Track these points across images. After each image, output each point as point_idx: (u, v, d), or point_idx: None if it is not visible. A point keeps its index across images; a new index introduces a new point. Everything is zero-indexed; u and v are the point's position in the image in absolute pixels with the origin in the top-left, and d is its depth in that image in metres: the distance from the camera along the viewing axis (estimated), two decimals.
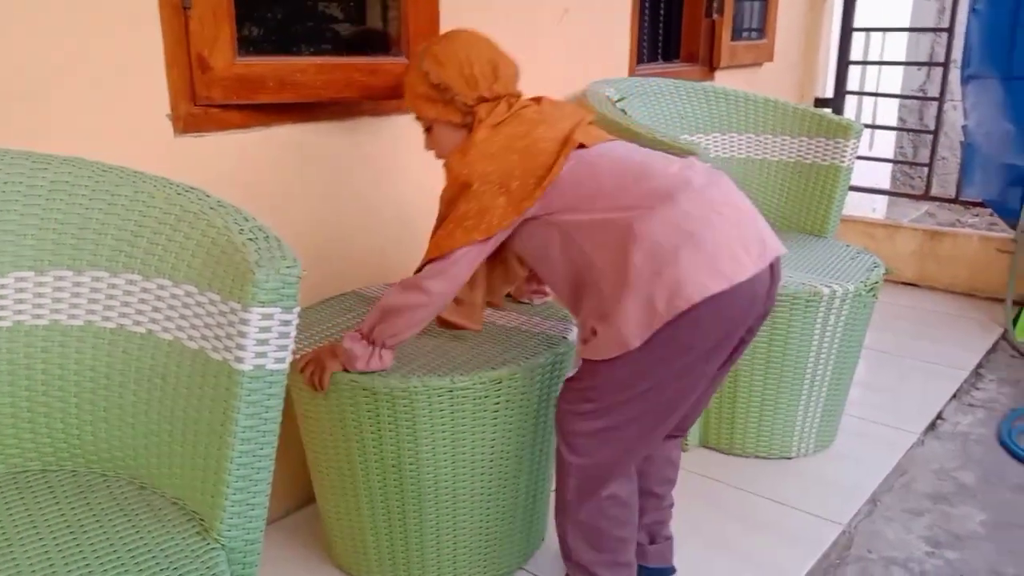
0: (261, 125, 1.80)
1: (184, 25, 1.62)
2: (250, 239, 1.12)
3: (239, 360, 1.07)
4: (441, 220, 1.51)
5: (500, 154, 1.46)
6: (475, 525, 1.67)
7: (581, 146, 1.46)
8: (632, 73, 2.89)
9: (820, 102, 4.06)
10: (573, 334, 1.74)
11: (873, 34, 4.44)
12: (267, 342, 1.07)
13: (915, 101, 6.49)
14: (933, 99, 3.72)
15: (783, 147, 2.72)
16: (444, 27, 1.95)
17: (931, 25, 6.10)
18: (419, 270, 1.51)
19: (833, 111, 4.00)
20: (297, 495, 2.09)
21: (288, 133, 1.86)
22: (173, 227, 1.20)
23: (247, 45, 1.77)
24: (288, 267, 1.08)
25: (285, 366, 1.10)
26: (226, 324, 1.09)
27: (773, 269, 1.40)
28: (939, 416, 2.66)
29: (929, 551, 1.99)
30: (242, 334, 1.07)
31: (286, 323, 1.09)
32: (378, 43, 1.93)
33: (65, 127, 1.50)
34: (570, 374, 1.47)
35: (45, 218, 1.24)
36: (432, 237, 1.51)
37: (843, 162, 2.60)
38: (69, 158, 1.30)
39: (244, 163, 1.79)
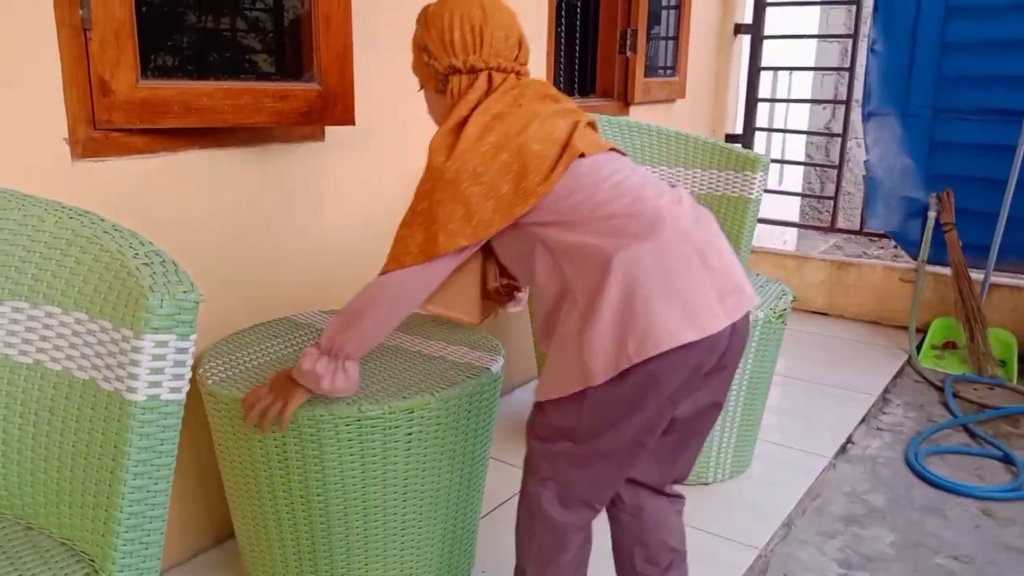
0: (166, 151, 1.75)
1: (84, 46, 1.57)
2: (145, 263, 1.08)
3: (131, 390, 1.02)
4: (416, 216, 1.37)
5: (492, 152, 1.33)
6: (389, 558, 1.63)
7: (581, 155, 1.36)
8: None
9: (730, 138, 4.18)
10: (498, 365, 1.71)
11: (781, 74, 4.61)
12: (162, 371, 1.02)
13: (822, 139, 6.75)
14: (837, 135, 3.88)
15: (695, 179, 2.78)
16: (357, 55, 1.94)
17: (835, 66, 6.38)
18: (387, 271, 1.39)
19: (743, 147, 4.12)
20: (216, 531, 2.00)
21: (194, 159, 1.81)
22: (64, 252, 1.14)
23: (156, 71, 1.72)
24: (184, 292, 1.04)
25: (181, 396, 1.05)
26: (118, 352, 1.04)
27: (741, 320, 1.35)
28: (849, 440, 2.73)
29: (842, 573, 2.03)
30: (134, 363, 1.01)
31: (182, 351, 1.04)
32: (290, 69, 1.90)
33: None
34: (539, 398, 1.40)
35: None
36: (404, 234, 1.37)
37: (751, 194, 2.67)
38: None
39: (147, 189, 1.73)
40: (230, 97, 1.75)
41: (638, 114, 3.46)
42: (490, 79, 1.41)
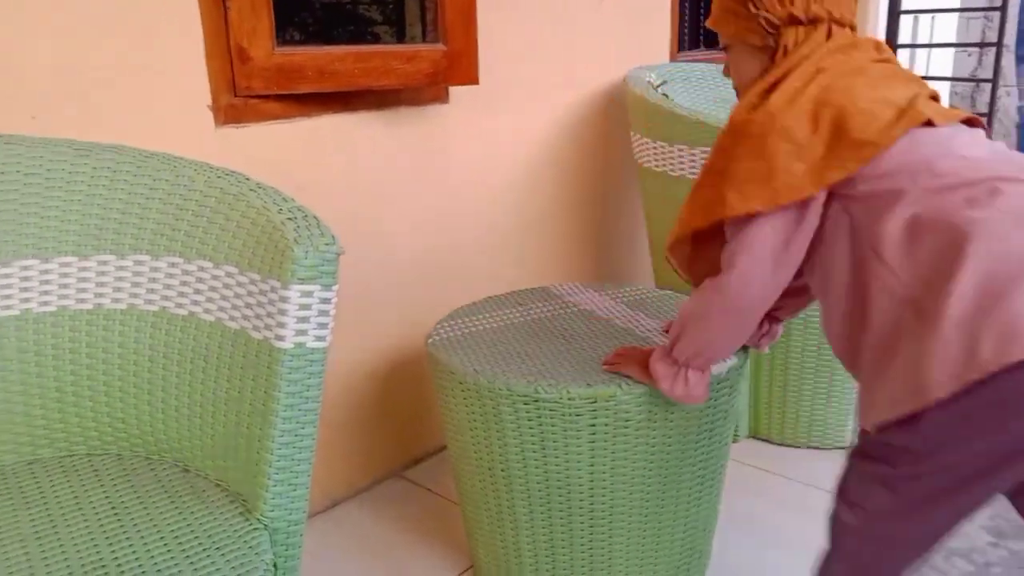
0: (301, 116, 1.80)
1: (223, 17, 1.63)
2: (289, 218, 1.11)
3: (280, 338, 1.06)
4: (707, 176, 1.19)
5: (810, 107, 1.11)
6: (577, 542, 1.56)
7: (928, 123, 1.10)
8: (673, 59, 2.85)
9: None
10: (725, 365, 1.49)
11: (922, 17, 4.32)
12: (307, 319, 1.06)
13: (967, 88, 6.31)
14: (986, 81, 3.61)
15: None
16: (481, 13, 1.94)
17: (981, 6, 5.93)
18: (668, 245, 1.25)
19: None
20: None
21: (327, 124, 1.86)
22: (213, 209, 1.20)
23: (288, 40, 1.77)
24: (327, 244, 1.07)
25: (326, 344, 1.08)
26: (266, 303, 1.08)
27: None
28: None
29: (992, 542, 1.92)
30: (282, 312, 1.05)
31: (326, 300, 1.07)
32: (415, 30, 1.92)
33: (108, 122, 1.51)
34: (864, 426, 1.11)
35: (88, 203, 1.24)
36: (691, 199, 1.21)
37: None
38: (111, 145, 1.30)
39: (284, 154, 1.79)
40: (360, 60, 1.78)
41: None
42: (830, 32, 1.20)
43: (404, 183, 2.04)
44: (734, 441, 2.31)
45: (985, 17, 6.03)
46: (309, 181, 1.84)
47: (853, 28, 1.23)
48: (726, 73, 1.33)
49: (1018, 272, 0.94)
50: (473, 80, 1.92)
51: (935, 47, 4.26)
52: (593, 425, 1.44)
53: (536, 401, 1.43)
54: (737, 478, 2.11)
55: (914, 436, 1.01)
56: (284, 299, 1.05)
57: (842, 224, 1.12)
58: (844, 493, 1.16)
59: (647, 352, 1.39)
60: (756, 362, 2.24)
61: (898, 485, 1.06)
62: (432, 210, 2.12)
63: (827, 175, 1.09)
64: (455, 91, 2.08)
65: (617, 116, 2.58)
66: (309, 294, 1.06)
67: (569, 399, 1.42)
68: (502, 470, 1.53)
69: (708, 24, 1.32)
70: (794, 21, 1.19)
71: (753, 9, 1.20)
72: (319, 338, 1.08)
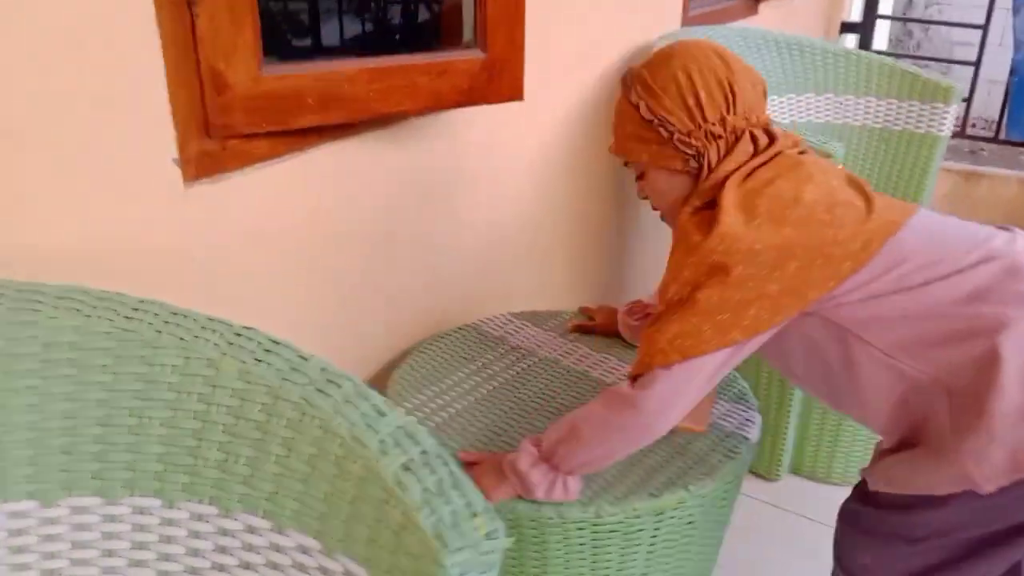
0: (293, 151, 1.32)
1: (191, 28, 1.11)
2: (404, 467, 0.70)
3: None
4: (672, 308, 1.08)
5: (768, 226, 1.04)
6: None
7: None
8: (685, 11, 2.43)
9: (847, 27, 3.65)
10: (754, 430, 1.32)
11: None
12: None
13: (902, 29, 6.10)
14: (977, 27, 3.35)
15: (868, 110, 2.32)
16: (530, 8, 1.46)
17: None
18: (637, 375, 1.10)
19: (862, 37, 3.60)
20: None
21: (325, 156, 1.38)
22: (262, 428, 0.76)
23: (277, 54, 1.26)
24: (487, 533, 0.66)
25: None
26: None
27: None
28: None
29: None
30: None
31: None
32: (445, 34, 1.43)
33: (32, 194, 1.00)
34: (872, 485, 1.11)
35: (36, 407, 0.78)
36: (654, 331, 1.08)
37: (942, 131, 2.23)
38: (64, 289, 0.83)
39: (274, 204, 1.31)
40: (377, 79, 1.29)
41: (766, 11, 2.94)
42: (754, 140, 1.14)
43: (419, 221, 1.59)
44: (775, 479, 2.07)
45: None
46: (306, 234, 1.37)
47: (768, 124, 1.18)
48: (642, 196, 1.26)
49: None
50: (516, 96, 1.46)
51: None
52: (654, 538, 1.21)
53: (595, 526, 1.16)
54: (781, 523, 1.94)
55: (938, 517, 1.03)
56: None
57: (819, 324, 1.07)
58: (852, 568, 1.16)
59: (500, 460, 1.19)
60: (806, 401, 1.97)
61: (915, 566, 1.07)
62: (453, 252, 1.69)
63: (808, 294, 1.04)
64: None
65: None
66: None
67: (635, 516, 1.16)
68: None
69: (613, 151, 1.25)
70: (713, 137, 1.13)
71: (665, 134, 1.14)
72: None
